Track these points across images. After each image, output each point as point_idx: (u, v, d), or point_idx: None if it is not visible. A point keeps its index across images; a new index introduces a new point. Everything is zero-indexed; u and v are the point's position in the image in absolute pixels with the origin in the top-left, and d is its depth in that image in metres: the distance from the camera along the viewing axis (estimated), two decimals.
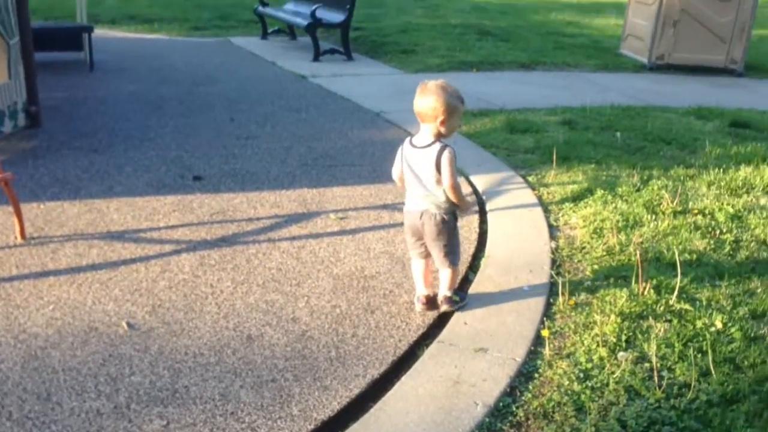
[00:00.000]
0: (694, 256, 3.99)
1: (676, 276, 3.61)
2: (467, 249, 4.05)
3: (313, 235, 4.16)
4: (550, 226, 4.39)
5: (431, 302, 3.37)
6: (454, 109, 3.05)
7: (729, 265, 3.88)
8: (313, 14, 9.48)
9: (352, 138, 6.13)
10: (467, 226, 4.33)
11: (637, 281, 3.57)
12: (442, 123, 3.05)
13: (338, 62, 9.50)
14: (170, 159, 5.34)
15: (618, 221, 4.41)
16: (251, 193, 4.76)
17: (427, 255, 3.33)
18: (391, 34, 11.35)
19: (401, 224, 4.31)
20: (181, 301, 3.36)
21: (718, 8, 9.38)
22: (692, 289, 3.61)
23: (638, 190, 4.98)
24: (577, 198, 4.83)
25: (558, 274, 3.77)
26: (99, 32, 11.03)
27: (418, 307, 3.37)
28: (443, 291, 3.34)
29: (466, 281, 3.74)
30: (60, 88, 7.38)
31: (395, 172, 3.29)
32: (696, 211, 4.67)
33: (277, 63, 9.30)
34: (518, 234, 4.25)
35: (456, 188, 3.12)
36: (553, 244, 4.10)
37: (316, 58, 9.56)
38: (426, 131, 3.11)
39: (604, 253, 3.97)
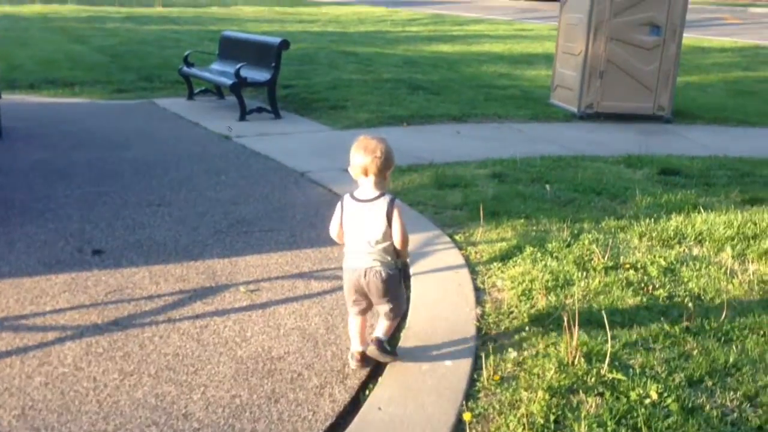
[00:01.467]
0: (627, 317, 3.75)
1: (608, 340, 3.36)
2: None
3: (219, 312, 3.80)
4: (477, 290, 4.13)
5: (367, 360, 3.26)
6: (393, 162, 3.10)
7: (663, 325, 3.65)
8: (237, 73, 9.23)
9: (273, 201, 5.82)
10: None
11: (567, 348, 3.31)
12: (387, 176, 3.08)
13: (265, 121, 9.23)
14: (70, 232, 4.94)
15: (548, 281, 4.17)
16: (155, 266, 4.38)
17: (365, 311, 3.26)
18: (321, 90, 11.16)
19: (317, 295, 4.02)
20: (57, 400, 2.95)
21: (642, 57, 9.46)
22: (625, 355, 3.36)
23: (569, 245, 4.77)
24: (505, 256, 4.59)
25: (483, 344, 3.48)
26: (15, 98, 10.61)
27: (353, 364, 3.26)
28: (377, 333, 3.26)
29: None
30: None
31: (334, 229, 3.22)
32: (628, 266, 4.47)
33: (202, 124, 8.98)
34: (442, 300, 3.96)
35: (407, 240, 3.13)
36: (479, 310, 3.82)
37: (242, 118, 9.28)
38: (369, 185, 3.08)
39: (533, 318, 3.70)
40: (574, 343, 3.33)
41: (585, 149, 8.01)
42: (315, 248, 4.76)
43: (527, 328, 3.61)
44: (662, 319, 3.74)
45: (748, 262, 4.68)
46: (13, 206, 5.48)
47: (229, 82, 9.32)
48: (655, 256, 4.64)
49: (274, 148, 7.69)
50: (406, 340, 3.53)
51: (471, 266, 4.46)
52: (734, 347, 3.48)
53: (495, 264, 4.47)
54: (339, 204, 3.17)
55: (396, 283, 3.17)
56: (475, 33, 21.61)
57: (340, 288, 4.08)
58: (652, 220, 5.33)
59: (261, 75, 9.49)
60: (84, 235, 4.88)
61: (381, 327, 3.28)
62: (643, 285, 4.18)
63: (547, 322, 3.66)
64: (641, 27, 9.40)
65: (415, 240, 4.84)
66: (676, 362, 3.30)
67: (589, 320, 3.68)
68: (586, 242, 4.81)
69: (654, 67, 9.51)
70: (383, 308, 3.20)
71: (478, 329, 3.63)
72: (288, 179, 6.48)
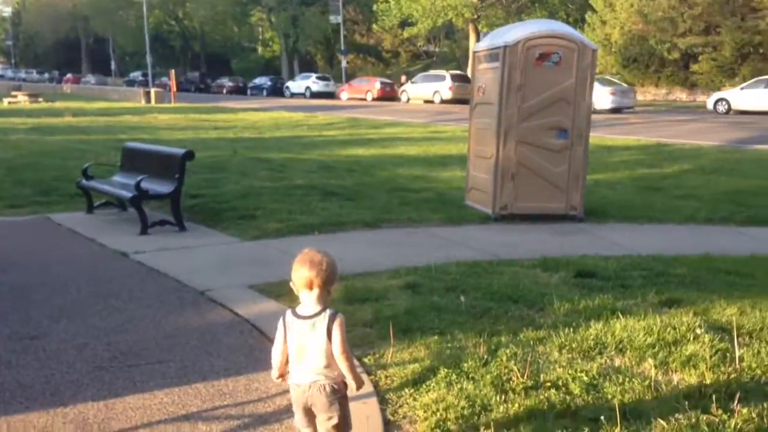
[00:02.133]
0: None
1: None
2: None
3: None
4: (387, 423, 3.70)
5: None
6: (337, 276, 3.11)
7: None
8: (138, 186, 8.78)
9: (166, 326, 5.30)
10: None
11: None
12: (331, 291, 3.07)
13: (169, 234, 8.74)
14: None
15: (464, 408, 3.79)
16: (15, 416, 3.80)
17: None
18: (230, 199, 10.77)
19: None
20: None
21: (551, 159, 9.51)
22: None
23: (485, 363, 4.42)
24: (418, 380, 4.20)
25: None
26: None
27: None
28: None
29: None
30: None
31: (276, 353, 3.12)
32: (549, 384, 4.14)
33: (98, 240, 8.41)
34: None
35: (349, 356, 3.09)
36: None
37: (143, 232, 8.76)
38: (311, 299, 3.04)
39: None
40: None
41: (501, 252, 7.83)
42: (207, 381, 4.27)
43: None
44: None
45: (672, 371, 4.43)
46: None
47: (129, 195, 8.85)
48: (576, 371, 4.34)
49: (175, 264, 7.19)
50: None
51: (380, 394, 4.05)
52: None
53: (407, 390, 4.07)
54: (281, 322, 3.10)
55: (341, 397, 3.12)
56: (391, 136, 21.84)
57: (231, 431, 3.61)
58: (571, 329, 5.06)
59: (164, 187, 9.06)
60: None
61: None
62: (566, 405, 3.84)
63: None
64: (549, 131, 9.49)
65: None
66: None
67: None
68: (504, 359, 4.48)
69: (563, 169, 9.56)
70: (328, 425, 3.09)
71: None
72: (185, 300, 5.98)
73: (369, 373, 4.34)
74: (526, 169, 9.51)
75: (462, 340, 4.85)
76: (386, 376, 4.28)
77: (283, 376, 3.20)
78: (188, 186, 11.59)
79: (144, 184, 8.91)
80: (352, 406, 3.80)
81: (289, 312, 3.11)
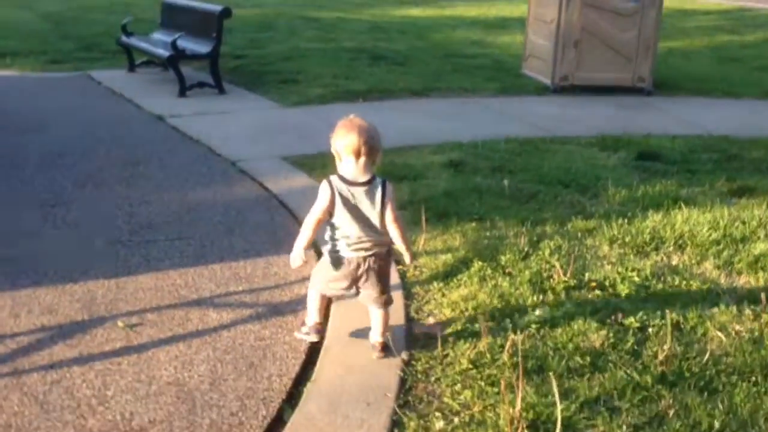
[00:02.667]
0: (588, 359, 3.03)
1: (558, 403, 2.63)
2: (288, 369, 3.00)
3: (82, 359, 3.04)
4: (409, 321, 3.39)
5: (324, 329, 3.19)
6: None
7: (632, 374, 2.93)
8: (173, 45, 8.34)
9: (191, 198, 5.03)
10: (293, 335, 3.28)
11: (508, 414, 2.59)
12: (377, 160, 2.94)
13: (208, 97, 8.38)
14: None
15: (495, 308, 3.45)
16: (24, 291, 3.61)
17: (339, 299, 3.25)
18: (274, 61, 10.28)
19: (210, 332, 3.27)
20: None
21: (619, 25, 8.66)
22: (582, 421, 2.64)
23: (525, 257, 4.03)
24: (449, 273, 3.85)
25: (405, 404, 2.75)
26: None
27: (313, 337, 3.15)
28: (380, 337, 3.05)
29: (279, 422, 2.69)
30: None
31: (311, 224, 2.96)
32: (593, 284, 3.75)
33: (136, 101, 8.11)
34: (365, 336, 3.21)
35: (403, 225, 3.01)
36: (406, 356, 3.08)
37: (182, 94, 8.41)
38: (358, 168, 2.87)
39: (471, 365, 2.97)
40: (518, 406, 2.61)
41: (556, 128, 7.26)
42: (225, 263, 4.00)
43: (462, 381, 2.88)
44: (632, 362, 3.02)
45: (735, 273, 3.98)
46: None
47: (166, 54, 8.44)
48: (627, 270, 3.93)
49: (210, 130, 6.86)
50: (309, 399, 2.80)
51: (407, 287, 3.72)
52: (720, 404, 2.77)
53: (435, 284, 3.73)
54: (327, 186, 2.88)
55: (389, 270, 3.06)
56: None
57: (242, 321, 3.37)
58: (626, 220, 4.61)
59: (202, 46, 8.61)
60: None
61: (378, 325, 3.05)
62: (611, 310, 3.46)
63: (488, 371, 2.93)
64: None
65: None
66: (647, 430, 2.60)
67: (541, 367, 2.96)
68: (546, 252, 4.08)
69: (633, 35, 8.73)
70: (376, 297, 3.00)
71: (402, 381, 2.90)
72: (215, 170, 5.68)
73: (397, 262, 4.00)
74: (591, 36, 8.70)
75: (502, 229, 4.45)
76: (415, 267, 3.94)
77: (304, 262, 3.00)
78: (232, 46, 11.15)
79: (181, 43, 8.48)
80: None
81: (336, 178, 2.88)
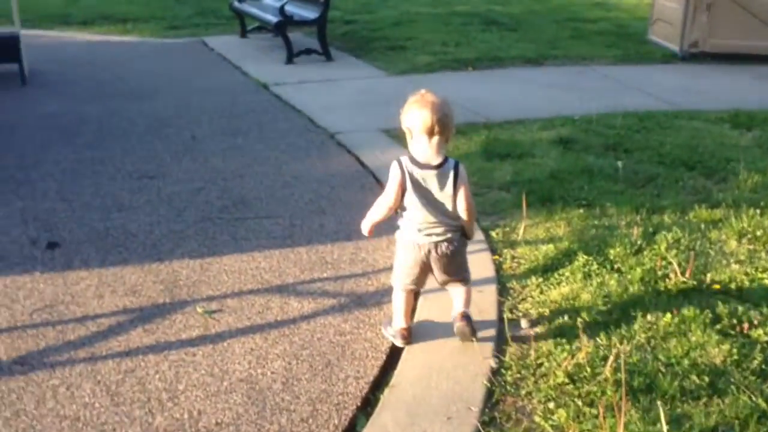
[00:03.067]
0: (706, 380, 2.66)
1: (672, 428, 2.30)
2: (366, 371, 2.79)
3: (157, 347, 2.95)
4: (501, 321, 3.10)
5: (412, 336, 2.93)
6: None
7: (756, 400, 2.54)
8: (281, 10, 8.23)
9: (285, 173, 4.90)
10: (375, 331, 3.07)
11: None
12: (449, 139, 2.75)
13: (315, 64, 8.25)
14: (36, 214, 4.19)
15: (600, 310, 3.10)
16: (111, 268, 3.57)
17: (419, 291, 3.02)
18: (383, 27, 10.03)
19: (289, 323, 3.11)
20: None
21: None
22: None
23: (638, 251, 3.64)
24: (550, 268, 3.52)
25: (490, 421, 2.49)
26: (64, 35, 10.05)
27: (399, 342, 2.92)
28: (463, 308, 2.89)
29: None
30: None
31: (384, 207, 2.78)
32: (717, 286, 3.32)
33: (243, 68, 8.09)
34: (450, 339, 2.96)
35: (474, 209, 2.84)
36: (495, 363, 2.81)
37: (289, 60, 8.33)
38: (431, 148, 2.68)
39: (567, 380, 2.66)
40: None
41: (682, 100, 6.66)
42: (312, 246, 3.83)
43: (557, 398, 2.58)
44: (759, 385, 2.62)
45: None
46: None
47: (274, 20, 8.35)
48: (757, 270, 3.47)
49: (312, 99, 6.73)
50: (385, 407, 2.58)
51: (501, 281, 3.42)
52: None
53: (534, 279, 3.42)
54: (397, 168, 2.70)
55: (465, 255, 2.89)
56: None
57: (324, 313, 3.19)
58: (759, 210, 4.10)
59: (310, 12, 8.47)
60: (51, 219, 4.12)
61: (461, 299, 2.89)
62: (735, 321, 3.04)
63: (587, 387, 2.62)
64: None
65: None
66: None
67: (650, 386, 2.61)
68: (663, 247, 3.67)
69: None
70: (457, 277, 2.86)
71: (489, 393, 2.63)
72: (313, 143, 5.53)
73: (494, 252, 3.71)
74: None
75: (613, 217, 4.05)
76: (513, 258, 3.64)
77: (371, 232, 2.89)
78: (344, 10, 10.99)
79: (289, 9, 8.36)
80: None
81: (406, 159, 2.70)
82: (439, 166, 2.69)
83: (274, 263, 3.64)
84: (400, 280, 2.88)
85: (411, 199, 2.71)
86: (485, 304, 3.19)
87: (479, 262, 3.56)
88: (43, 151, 5.28)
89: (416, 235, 2.76)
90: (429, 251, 2.75)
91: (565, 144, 5.30)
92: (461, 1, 12.03)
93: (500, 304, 3.22)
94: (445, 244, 2.75)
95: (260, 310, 3.22)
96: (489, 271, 3.49)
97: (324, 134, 5.72)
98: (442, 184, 2.70)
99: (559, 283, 3.36)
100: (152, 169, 4.95)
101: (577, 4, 12.02)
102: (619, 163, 4.75)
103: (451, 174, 2.70)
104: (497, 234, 3.90)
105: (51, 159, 5.13)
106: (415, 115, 2.67)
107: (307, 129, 5.86)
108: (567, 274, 3.43)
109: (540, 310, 3.16)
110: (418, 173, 2.69)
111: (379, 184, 4.66)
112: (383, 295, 3.30)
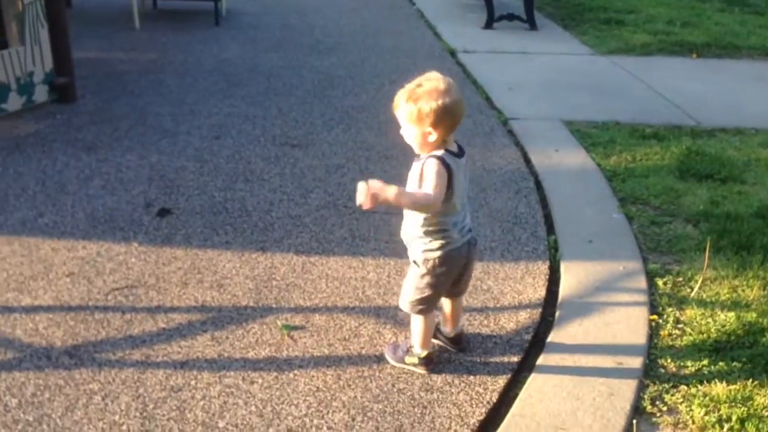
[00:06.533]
0: None
1: None
2: None
3: (219, 363, 2.56)
4: (635, 412, 2.37)
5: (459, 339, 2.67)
6: None
7: None
8: None
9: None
10: (470, 392, 2.46)
11: None
12: None
13: (515, 32, 7.50)
14: (164, 172, 4.00)
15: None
16: (209, 251, 3.26)
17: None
18: None
19: (374, 360, 2.60)
20: None
21: None
22: None
23: None
24: (723, 347, 2.70)
25: None
26: None
27: (426, 370, 2.54)
28: (459, 328, 2.67)
29: None
30: (153, 48, 6.34)
31: (440, 198, 2.25)
32: None
33: (438, 29, 7.53)
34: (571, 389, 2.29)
35: None
36: None
37: (488, 25, 7.63)
38: (451, 137, 2.37)
39: None
40: None
41: None
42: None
43: None
44: None
45: None
46: (145, 122, 4.69)
47: None
48: None
49: (498, 74, 6.05)
50: None
51: (652, 354, 2.66)
52: None
53: (697, 360, 2.61)
54: (440, 164, 2.25)
55: None
56: None
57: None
58: None
59: None
60: (176, 181, 3.90)
61: (459, 314, 2.65)
62: None
63: None
64: None
65: (588, 275, 3.10)
66: None
67: None
68: None
69: None
70: (466, 286, 2.61)
71: None
72: (481, 127, 4.90)
73: (653, 308, 2.92)
74: None
75: None
76: (677, 321, 2.83)
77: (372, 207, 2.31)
78: None
79: None
80: (582, 386, 2.55)
81: (444, 152, 2.29)
82: (462, 153, 2.35)
83: (383, 277, 3.13)
84: (432, 302, 2.47)
85: (458, 196, 2.32)
86: (620, 385, 2.46)
87: (630, 319, 2.83)
88: (203, 101, 5.12)
89: (458, 239, 2.39)
90: (467, 252, 2.44)
91: None
92: None
93: (640, 389, 2.47)
94: (474, 239, 2.49)
95: (346, 337, 2.73)
96: (639, 335, 2.74)
97: (496, 118, 5.06)
98: (465, 172, 2.37)
99: (728, 374, 2.54)
100: (299, 135, 4.60)
101: None
102: None
103: (465, 159, 2.36)
104: (665, 284, 3.10)
105: (206, 111, 4.94)
106: (456, 107, 2.25)
107: (479, 110, 5.22)
108: (744, 362, 2.59)
109: (693, 409, 2.37)
110: (459, 164, 2.32)
111: (538, 190, 3.98)
112: (497, 344, 2.68)
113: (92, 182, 3.84)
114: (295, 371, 2.54)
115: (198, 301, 2.90)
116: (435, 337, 2.66)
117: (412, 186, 2.35)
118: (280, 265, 3.17)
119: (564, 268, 3.20)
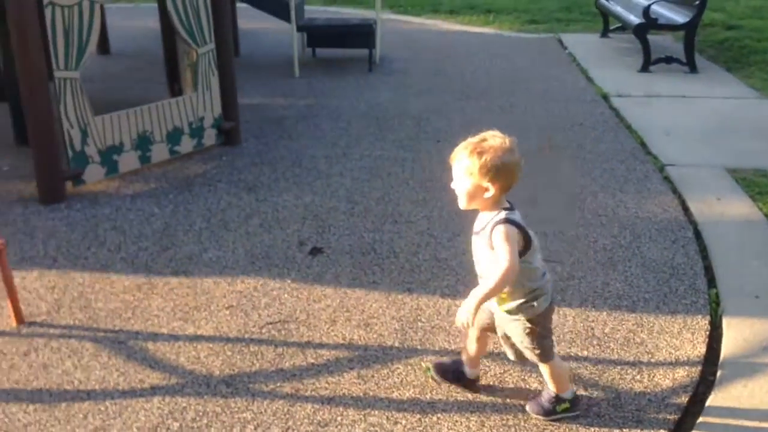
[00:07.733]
0: None
1: None
2: None
3: (364, 401, 2.61)
4: None
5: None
6: None
7: None
8: (645, 12, 7.31)
9: (589, 207, 4.22)
10: None
11: None
12: None
13: (673, 75, 7.22)
14: (318, 212, 4.16)
15: None
16: (357, 291, 3.34)
17: None
18: None
19: (517, 410, 2.55)
20: None
21: None
22: None
23: None
24: None
25: None
26: (429, 23, 10.30)
27: (578, 409, 2.51)
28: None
29: None
30: (310, 94, 6.65)
31: (517, 262, 2.25)
32: None
33: (590, 72, 7.39)
34: None
35: None
36: None
37: (644, 68, 7.40)
38: (503, 198, 2.35)
39: None
40: None
41: None
42: (583, 308, 3.17)
43: None
44: None
45: None
46: (302, 164, 4.91)
47: (635, 21, 7.48)
48: None
49: (654, 119, 5.85)
50: None
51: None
52: None
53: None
54: (512, 228, 2.24)
55: None
56: None
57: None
58: None
59: (678, 15, 7.43)
60: (327, 221, 4.05)
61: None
62: None
63: None
64: None
65: (756, 329, 2.90)
66: None
67: None
68: None
69: None
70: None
71: None
72: (635, 173, 4.73)
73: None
74: None
75: None
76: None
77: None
78: (729, 13, 9.60)
79: (656, 9, 7.46)
80: None
81: (515, 215, 2.29)
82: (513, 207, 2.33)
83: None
84: (553, 348, 2.46)
85: (534, 253, 2.32)
86: None
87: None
88: (355, 144, 5.30)
89: (548, 288, 2.38)
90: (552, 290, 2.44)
91: None
92: None
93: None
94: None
95: (491, 383, 2.70)
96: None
97: (652, 164, 4.87)
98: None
99: None
100: (444, 176, 4.63)
101: None
102: None
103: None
104: None
105: (357, 153, 5.11)
106: (511, 165, 2.22)
107: (633, 155, 5.05)
108: None
109: None
110: (520, 219, 2.31)
111: (699, 241, 3.78)
112: (651, 401, 2.55)
113: (252, 220, 4.06)
114: (439, 414, 2.53)
115: (345, 339, 2.98)
116: (457, 381, 2.64)
117: (482, 253, 2.33)
118: (426, 307, 3.20)
119: (726, 323, 3.01)
